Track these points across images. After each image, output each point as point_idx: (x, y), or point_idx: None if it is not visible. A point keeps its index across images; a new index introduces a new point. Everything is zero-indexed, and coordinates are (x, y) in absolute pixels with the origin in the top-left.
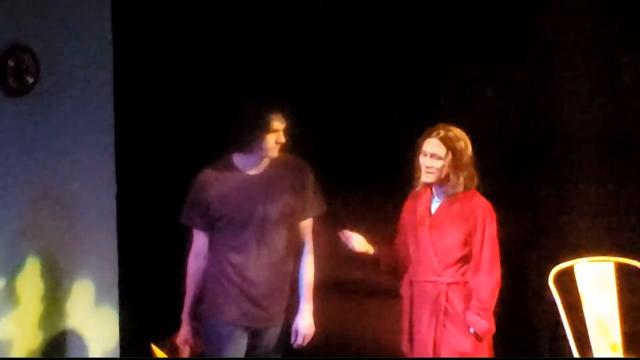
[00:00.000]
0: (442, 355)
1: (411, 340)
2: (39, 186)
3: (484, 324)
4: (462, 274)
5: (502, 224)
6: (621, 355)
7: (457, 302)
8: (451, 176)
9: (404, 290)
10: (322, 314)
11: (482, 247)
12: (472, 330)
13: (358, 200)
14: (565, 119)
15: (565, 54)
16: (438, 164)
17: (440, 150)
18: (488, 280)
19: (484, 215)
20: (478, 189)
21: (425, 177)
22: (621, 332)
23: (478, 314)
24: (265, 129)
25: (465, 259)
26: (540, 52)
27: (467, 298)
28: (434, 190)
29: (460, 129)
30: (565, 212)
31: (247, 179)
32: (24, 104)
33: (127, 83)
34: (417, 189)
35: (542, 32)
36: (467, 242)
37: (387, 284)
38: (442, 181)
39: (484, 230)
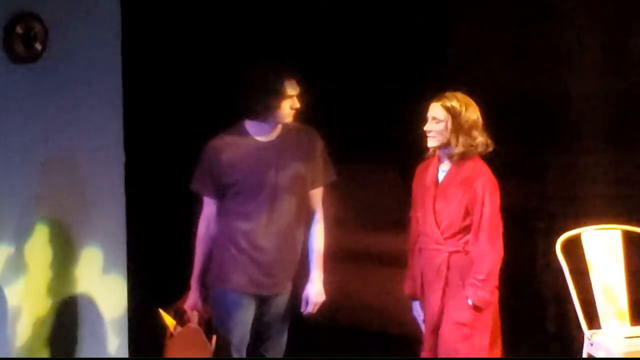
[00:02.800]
0: (444, 324)
1: (422, 307)
2: (46, 154)
3: (483, 295)
4: (465, 243)
5: (509, 192)
6: (628, 323)
7: (459, 272)
8: (451, 138)
9: (415, 257)
10: (332, 282)
11: (481, 218)
12: (470, 301)
13: (368, 169)
14: (573, 87)
15: (575, 20)
16: (438, 127)
17: (440, 113)
18: (488, 251)
19: (484, 185)
20: (491, 156)
21: (429, 142)
22: (628, 299)
23: (476, 286)
24: (280, 95)
25: (467, 229)
26: (550, 18)
27: (469, 268)
28: (441, 158)
29: (469, 96)
30: (572, 180)
31: (258, 145)
32: (32, 71)
33: (136, 50)
34: (426, 157)
35: None
36: (468, 212)
37: (397, 251)
38: (445, 145)
39: (483, 200)
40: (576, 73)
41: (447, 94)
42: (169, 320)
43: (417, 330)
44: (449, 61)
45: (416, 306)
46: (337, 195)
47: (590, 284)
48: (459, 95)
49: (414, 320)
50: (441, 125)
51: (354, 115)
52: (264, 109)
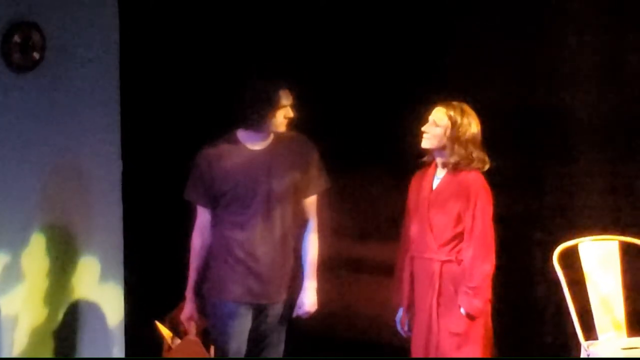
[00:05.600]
0: (437, 334)
1: (411, 317)
2: (44, 162)
3: (475, 303)
4: (458, 252)
5: (507, 203)
6: (624, 334)
7: (451, 281)
8: (447, 147)
9: (406, 265)
10: (326, 291)
11: (473, 226)
12: (462, 310)
13: (363, 177)
14: (570, 98)
15: (571, 32)
16: (435, 131)
17: (441, 119)
18: (480, 259)
19: (477, 193)
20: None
21: (423, 142)
22: (625, 310)
23: (469, 294)
24: (275, 105)
25: (460, 237)
26: (547, 31)
27: (462, 277)
28: (437, 166)
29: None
30: (569, 190)
31: (251, 154)
32: (30, 79)
33: (134, 59)
34: (424, 163)
35: (550, 10)
36: (460, 219)
37: (391, 261)
38: (440, 151)
39: (475, 208)
40: (573, 84)
41: (455, 102)
42: (165, 331)
43: (408, 339)
44: (447, 72)
45: (401, 313)
46: (332, 203)
47: (587, 294)
48: (465, 106)
49: (395, 325)
50: (439, 130)
51: (349, 123)
52: (258, 119)
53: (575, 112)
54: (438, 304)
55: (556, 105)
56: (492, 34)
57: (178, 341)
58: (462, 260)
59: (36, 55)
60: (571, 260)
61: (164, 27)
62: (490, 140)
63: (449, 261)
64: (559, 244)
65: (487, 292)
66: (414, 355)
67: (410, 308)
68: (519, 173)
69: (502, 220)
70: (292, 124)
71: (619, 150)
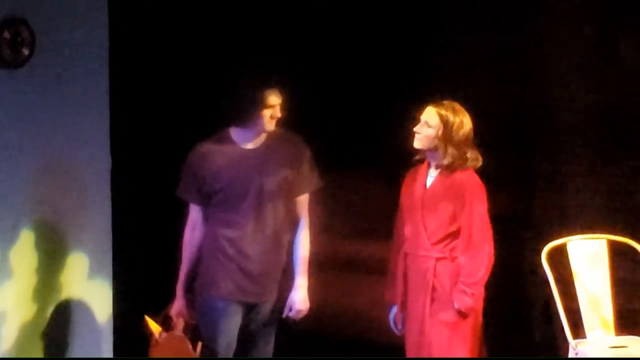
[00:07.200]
0: (430, 330)
1: (404, 313)
2: (32, 159)
3: (468, 301)
4: (451, 250)
5: (496, 201)
6: (612, 333)
7: (445, 278)
8: (439, 147)
9: (400, 262)
10: (317, 290)
11: (470, 224)
12: (456, 306)
13: (355, 176)
14: (561, 98)
15: (561, 31)
16: (427, 131)
17: (433, 119)
18: (476, 257)
19: (472, 192)
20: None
21: (414, 142)
22: (613, 309)
23: (463, 291)
24: (261, 104)
25: (454, 235)
26: (538, 29)
27: (456, 274)
28: (430, 164)
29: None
30: (559, 189)
31: (243, 152)
32: (19, 76)
33: (123, 55)
34: (416, 162)
35: (541, 9)
36: (455, 218)
37: (382, 259)
38: (432, 151)
39: (471, 207)
40: (565, 84)
41: (445, 102)
42: (154, 326)
43: (401, 337)
44: (439, 69)
45: (395, 311)
46: (324, 202)
47: (575, 293)
48: (457, 106)
49: (389, 323)
50: (431, 131)
51: (341, 122)
52: (244, 117)
53: (566, 111)
54: (431, 301)
55: (547, 104)
56: (483, 32)
57: None
58: (456, 257)
59: (26, 51)
60: (560, 258)
61: (153, 23)
62: (480, 139)
63: (443, 258)
64: (548, 243)
65: (481, 290)
66: (407, 352)
67: (403, 305)
68: (508, 172)
69: (492, 219)
70: (280, 123)
71: (608, 149)
